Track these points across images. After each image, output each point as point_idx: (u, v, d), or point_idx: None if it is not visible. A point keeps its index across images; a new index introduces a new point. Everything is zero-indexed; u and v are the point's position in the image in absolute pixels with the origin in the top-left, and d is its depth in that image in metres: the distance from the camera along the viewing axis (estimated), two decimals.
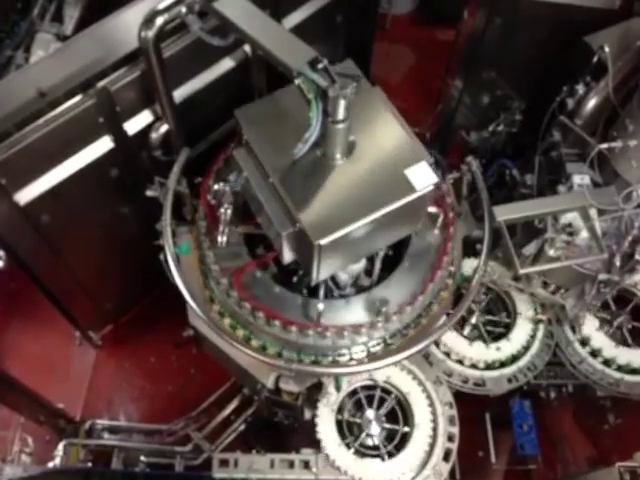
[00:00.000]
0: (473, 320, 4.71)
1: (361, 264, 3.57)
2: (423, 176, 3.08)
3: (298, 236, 3.06)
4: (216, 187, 3.48)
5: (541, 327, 4.61)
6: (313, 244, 2.92)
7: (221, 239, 3.52)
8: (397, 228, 3.33)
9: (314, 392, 4.05)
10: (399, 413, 4.22)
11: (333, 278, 3.61)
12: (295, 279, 3.70)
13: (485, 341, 4.60)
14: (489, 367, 4.50)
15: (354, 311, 3.47)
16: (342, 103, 2.78)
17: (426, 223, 3.62)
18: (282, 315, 3.40)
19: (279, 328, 3.38)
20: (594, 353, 4.51)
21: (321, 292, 3.56)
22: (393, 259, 3.72)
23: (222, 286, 3.51)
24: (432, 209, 3.59)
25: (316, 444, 4.02)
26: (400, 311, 3.45)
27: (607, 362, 4.50)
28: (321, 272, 3.20)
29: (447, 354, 4.51)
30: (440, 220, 3.62)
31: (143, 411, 5.62)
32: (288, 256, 3.27)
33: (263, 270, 3.59)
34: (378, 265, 3.63)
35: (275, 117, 3.26)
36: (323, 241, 2.92)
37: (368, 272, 3.71)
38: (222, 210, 3.44)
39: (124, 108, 3.81)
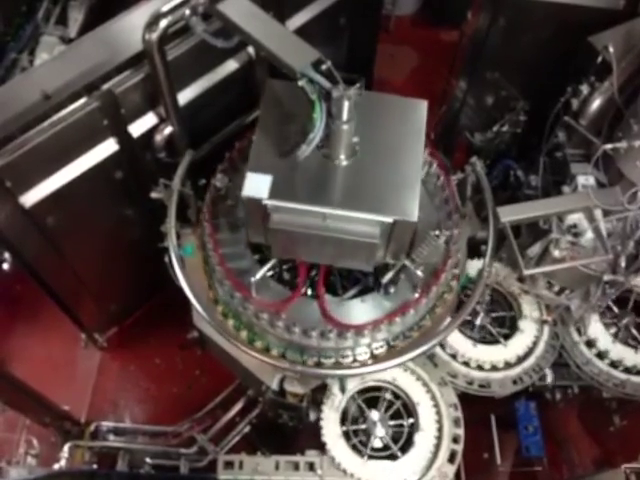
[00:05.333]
0: (478, 321, 4.69)
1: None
2: (257, 185, 3.03)
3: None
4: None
5: (546, 328, 4.59)
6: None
7: None
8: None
9: (319, 394, 4.05)
10: (404, 415, 4.21)
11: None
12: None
13: (490, 342, 4.59)
14: (494, 368, 4.48)
15: (357, 313, 3.47)
16: (346, 104, 2.78)
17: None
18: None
19: (282, 329, 3.38)
20: (600, 354, 4.49)
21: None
22: None
23: (226, 287, 3.51)
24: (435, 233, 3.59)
25: (321, 446, 4.01)
26: (437, 278, 3.46)
27: (613, 363, 4.48)
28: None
29: (452, 355, 4.49)
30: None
31: (148, 413, 5.63)
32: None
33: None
34: None
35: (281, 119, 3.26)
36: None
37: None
38: None
39: (128, 110, 3.82)
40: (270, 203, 3.02)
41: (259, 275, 3.43)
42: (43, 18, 5.19)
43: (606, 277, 3.98)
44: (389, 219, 2.99)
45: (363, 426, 4.17)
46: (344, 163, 3.11)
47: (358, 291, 3.70)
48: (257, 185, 3.03)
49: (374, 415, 4.17)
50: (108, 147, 3.91)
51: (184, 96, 4.00)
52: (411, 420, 4.17)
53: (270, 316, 3.40)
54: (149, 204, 3.96)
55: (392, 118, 3.27)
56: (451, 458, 4.07)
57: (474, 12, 5.18)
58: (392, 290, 3.51)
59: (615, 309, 4.71)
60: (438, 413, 4.16)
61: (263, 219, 3.11)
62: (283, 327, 3.39)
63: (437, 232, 3.52)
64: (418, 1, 8.18)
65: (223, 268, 3.50)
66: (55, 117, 3.55)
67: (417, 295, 3.48)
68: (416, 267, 3.45)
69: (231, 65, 4.19)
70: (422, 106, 3.32)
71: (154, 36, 3.36)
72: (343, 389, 4.03)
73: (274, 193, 3.01)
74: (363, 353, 3.54)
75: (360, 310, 3.48)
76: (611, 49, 3.94)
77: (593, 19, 4.34)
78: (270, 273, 3.63)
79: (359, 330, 3.37)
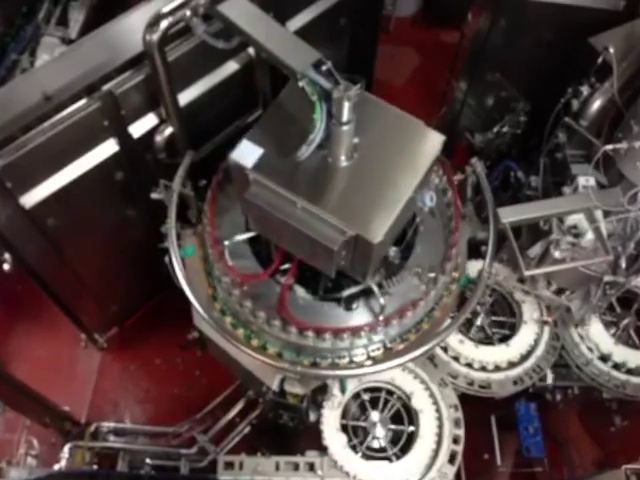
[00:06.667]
0: (478, 322, 4.70)
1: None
2: (247, 153, 3.08)
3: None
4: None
5: (547, 329, 4.59)
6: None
7: None
8: None
9: (319, 394, 4.05)
10: (404, 415, 4.20)
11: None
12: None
13: (490, 343, 4.59)
14: (494, 369, 4.48)
15: (354, 314, 3.47)
16: (346, 105, 2.78)
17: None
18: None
19: (278, 328, 3.39)
20: (600, 355, 4.49)
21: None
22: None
23: (224, 284, 3.52)
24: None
25: (321, 446, 4.01)
26: (400, 316, 3.44)
27: (613, 364, 4.47)
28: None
29: (452, 356, 4.49)
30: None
31: (148, 413, 5.63)
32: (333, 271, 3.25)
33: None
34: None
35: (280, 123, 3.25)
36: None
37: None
38: None
39: (129, 111, 3.83)
40: (252, 174, 3.04)
41: (236, 239, 3.50)
42: (44, 19, 5.19)
43: (606, 278, 3.98)
44: (351, 232, 2.94)
45: (363, 426, 4.17)
46: (340, 165, 3.09)
47: (334, 297, 3.64)
48: (247, 153, 3.07)
49: (374, 416, 4.17)
50: (108, 148, 3.92)
51: (185, 97, 4.00)
52: (411, 421, 4.17)
53: (231, 282, 3.44)
54: (149, 205, 3.96)
55: (405, 140, 3.22)
56: (451, 459, 4.06)
57: (475, 13, 5.19)
58: (354, 306, 3.49)
59: (617, 310, 4.72)
60: (438, 414, 4.15)
61: (243, 187, 3.13)
62: (279, 326, 3.38)
63: (420, 269, 3.48)
64: (418, 2, 8.19)
65: (214, 244, 3.51)
66: (55, 118, 3.55)
67: (376, 320, 3.43)
68: (382, 294, 3.39)
69: (232, 66, 4.19)
70: (438, 140, 3.28)
71: (155, 37, 3.36)
72: (343, 390, 4.03)
73: (259, 167, 3.04)
74: (360, 355, 3.54)
75: (317, 314, 3.48)
76: (611, 50, 3.94)
77: (594, 20, 4.34)
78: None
79: (304, 328, 3.36)
